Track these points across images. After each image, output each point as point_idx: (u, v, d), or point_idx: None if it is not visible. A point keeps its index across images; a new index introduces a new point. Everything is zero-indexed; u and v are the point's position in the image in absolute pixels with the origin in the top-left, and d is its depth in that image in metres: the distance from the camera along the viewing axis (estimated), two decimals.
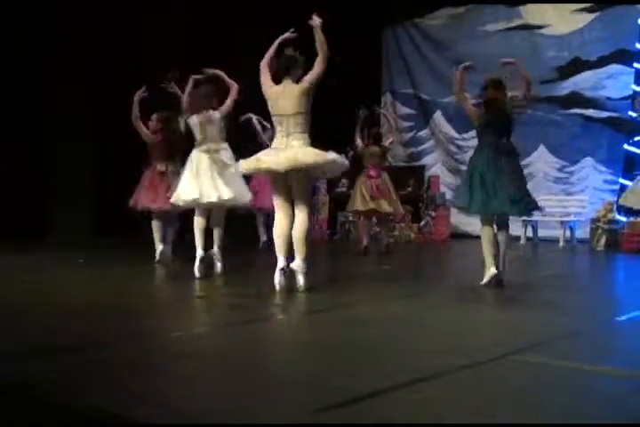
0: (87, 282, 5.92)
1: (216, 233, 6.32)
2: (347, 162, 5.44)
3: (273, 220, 5.48)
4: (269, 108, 5.42)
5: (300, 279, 5.19)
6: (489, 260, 5.58)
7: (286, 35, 5.45)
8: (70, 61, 9.99)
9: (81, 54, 10.07)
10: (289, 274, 5.23)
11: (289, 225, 5.29)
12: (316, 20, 5.28)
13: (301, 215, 5.26)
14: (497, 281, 5.53)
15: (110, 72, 9.96)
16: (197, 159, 6.21)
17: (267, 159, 5.25)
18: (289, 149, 5.22)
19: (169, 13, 10.47)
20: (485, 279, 5.56)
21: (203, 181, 6.10)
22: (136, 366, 3.03)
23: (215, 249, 6.29)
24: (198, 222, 6.26)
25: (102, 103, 9.94)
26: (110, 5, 9.98)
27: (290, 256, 5.26)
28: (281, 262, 5.22)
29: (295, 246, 5.23)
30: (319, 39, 5.27)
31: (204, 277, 6.04)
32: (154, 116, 7.59)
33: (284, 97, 5.30)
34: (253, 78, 5.45)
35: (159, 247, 7.36)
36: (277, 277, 5.19)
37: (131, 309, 4.53)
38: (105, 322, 4.04)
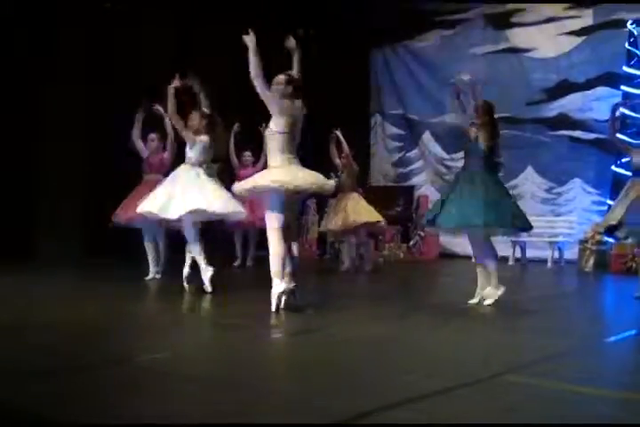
0: (74, 301, 5.86)
1: (193, 251, 6.33)
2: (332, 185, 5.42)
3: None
4: (278, 124, 5.27)
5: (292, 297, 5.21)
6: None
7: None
8: (65, 78, 10.01)
9: (78, 58, 10.10)
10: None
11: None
12: (292, 42, 5.26)
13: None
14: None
15: (106, 87, 9.98)
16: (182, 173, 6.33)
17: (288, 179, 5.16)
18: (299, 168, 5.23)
19: (167, 15, 10.52)
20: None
21: (180, 193, 6.14)
22: (123, 387, 3.00)
23: (202, 266, 6.28)
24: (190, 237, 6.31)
25: (95, 119, 9.96)
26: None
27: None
28: (281, 285, 5.14)
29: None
30: (297, 60, 5.28)
31: (193, 295, 6.03)
32: (152, 136, 7.61)
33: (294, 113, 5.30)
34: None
35: (152, 269, 7.46)
36: (279, 300, 5.13)
37: (118, 328, 4.49)
38: (92, 342, 4.00)
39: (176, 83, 6.48)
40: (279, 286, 5.12)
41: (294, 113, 5.26)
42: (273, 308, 5.07)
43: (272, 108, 5.24)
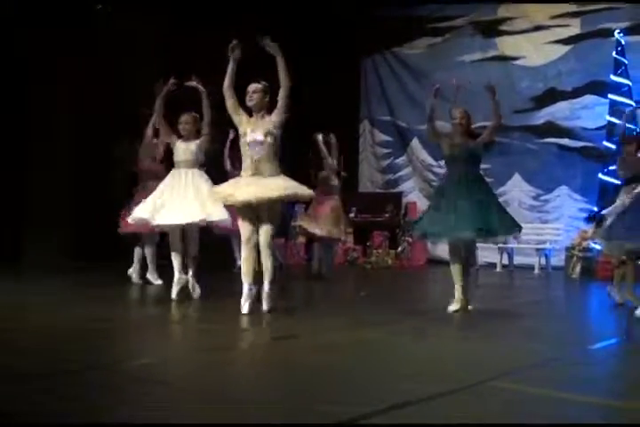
0: (59, 306, 5.83)
1: (190, 256, 6.30)
2: (309, 192, 5.49)
3: None
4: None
5: (267, 303, 5.29)
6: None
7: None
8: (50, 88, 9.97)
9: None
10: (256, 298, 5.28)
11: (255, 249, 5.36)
12: (269, 43, 5.24)
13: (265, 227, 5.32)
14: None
15: (94, 95, 9.96)
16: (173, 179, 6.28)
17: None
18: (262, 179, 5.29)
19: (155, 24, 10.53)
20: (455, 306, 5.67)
21: (172, 201, 6.11)
22: (106, 392, 2.99)
23: (190, 273, 6.27)
24: (174, 244, 6.26)
25: (83, 125, 9.94)
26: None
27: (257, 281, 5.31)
28: (246, 288, 5.29)
29: (263, 259, 5.30)
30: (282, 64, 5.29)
31: (180, 301, 6.01)
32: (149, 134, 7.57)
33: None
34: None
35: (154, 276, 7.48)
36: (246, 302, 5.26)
37: (102, 333, 4.47)
38: (76, 347, 3.98)
39: (170, 85, 6.41)
40: (245, 289, 5.30)
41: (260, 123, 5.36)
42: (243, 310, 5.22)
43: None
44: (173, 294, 6.13)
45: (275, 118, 5.36)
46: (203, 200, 6.07)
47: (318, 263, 9.05)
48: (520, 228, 5.76)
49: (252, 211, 5.33)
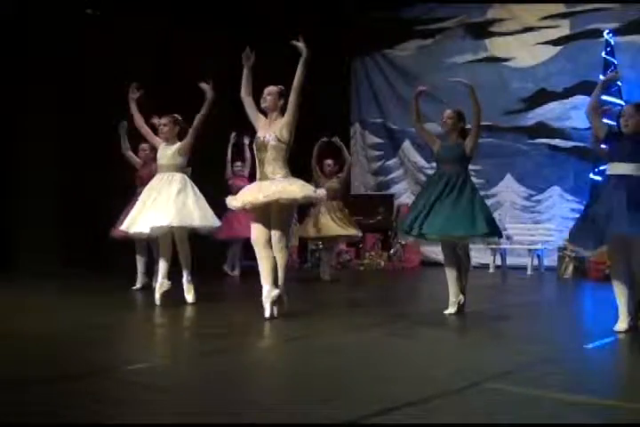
0: (52, 312, 5.81)
1: (182, 262, 6.25)
2: (322, 193, 5.46)
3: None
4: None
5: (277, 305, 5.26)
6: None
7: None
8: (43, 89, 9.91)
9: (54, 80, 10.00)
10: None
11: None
12: (301, 43, 5.29)
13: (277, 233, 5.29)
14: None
15: (82, 96, 9.92)
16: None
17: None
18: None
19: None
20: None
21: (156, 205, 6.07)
22: (101, 398, 2.97)
23: (184, 279, 6.23)
24: (162, 250, 6.23)
25: (73, 129, 9.87)
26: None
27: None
28: (264, 290, 5.24)
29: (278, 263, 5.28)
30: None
31: (173, 306, 5.99)
32: (144, 146, 7.55)
33: None
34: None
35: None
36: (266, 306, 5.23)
37: (96, 339, 4.45)
38: (70, 353, 3.96)
39: (135, 93, 6.42)
40: (265, 291, 5.23)
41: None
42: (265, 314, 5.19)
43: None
44: (157, 300, 6.09)
45: (285, 120, 5.32)
46: (182, 205, 6.02)
47: (325, 267, 9.11)
48: (496, 235, 5.65)
49: (265, 214, 5.30)
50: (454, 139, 5.78)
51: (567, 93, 11.75)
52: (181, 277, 6.24)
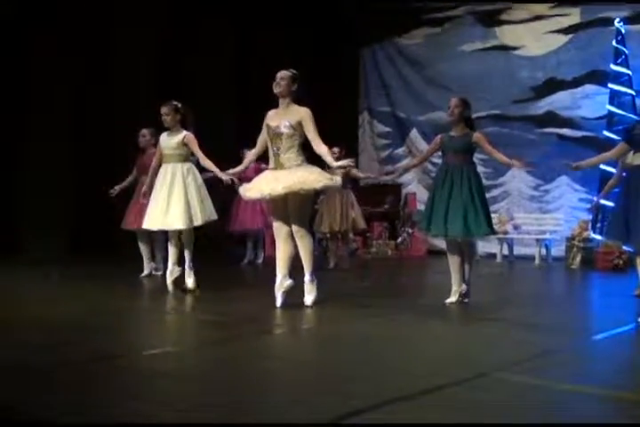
0: (61, 299, 5.82)
1: (185, 250, 6.24)
2: (337, 180, 5.36)
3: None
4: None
5: (307, 294, 5.32)
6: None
7: None
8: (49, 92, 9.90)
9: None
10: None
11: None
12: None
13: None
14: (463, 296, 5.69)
15: (85, 95, 9.92)
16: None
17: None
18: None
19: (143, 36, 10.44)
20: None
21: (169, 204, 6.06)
22: (110, 385, 2.98)
23: (186, 266, 6.22)
24: (171, 238, 6.24)
25: (81, 125, 9.89)
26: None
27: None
28: (278, 279, 5.28)
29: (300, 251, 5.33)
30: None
31: (181, 293, 6.00)
32: (144, 131, 7.49)
33: None
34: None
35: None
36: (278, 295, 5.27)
37: (105, 326, 4.46)
38: (78, 340, 3.97)
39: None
40: (278, 280, 5.28)
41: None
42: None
43: None
44: (169, 287, 6.11)
45: (302, 115, 5.22)
46: (186, 204, 6.02)
47: (334, 256, 9.14)
48: (492, 234, 5.81)
49: (283, 203, 5.27)
50: (461, 129, 5.75)
51: (577, 83, 11.67)
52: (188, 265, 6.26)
